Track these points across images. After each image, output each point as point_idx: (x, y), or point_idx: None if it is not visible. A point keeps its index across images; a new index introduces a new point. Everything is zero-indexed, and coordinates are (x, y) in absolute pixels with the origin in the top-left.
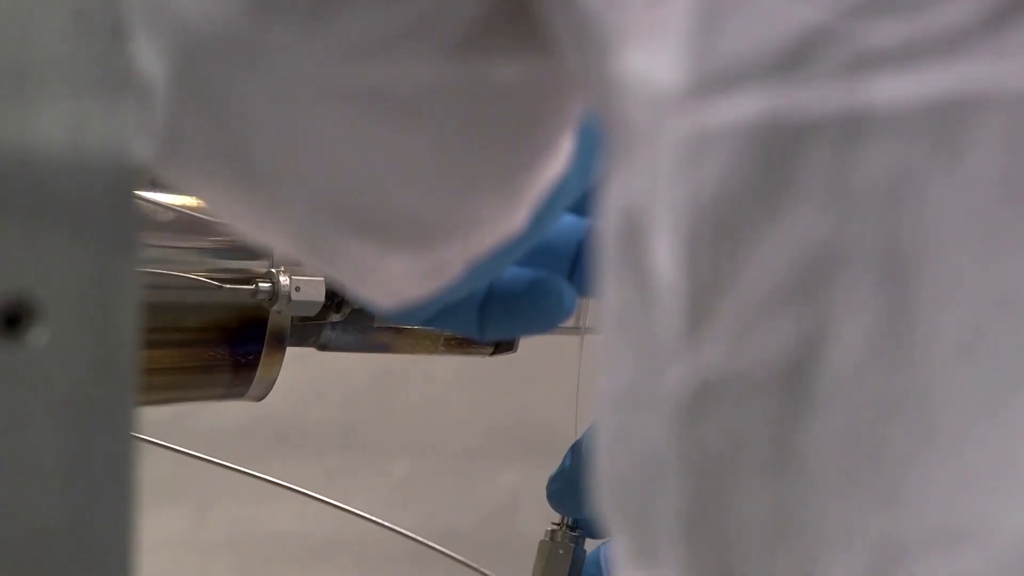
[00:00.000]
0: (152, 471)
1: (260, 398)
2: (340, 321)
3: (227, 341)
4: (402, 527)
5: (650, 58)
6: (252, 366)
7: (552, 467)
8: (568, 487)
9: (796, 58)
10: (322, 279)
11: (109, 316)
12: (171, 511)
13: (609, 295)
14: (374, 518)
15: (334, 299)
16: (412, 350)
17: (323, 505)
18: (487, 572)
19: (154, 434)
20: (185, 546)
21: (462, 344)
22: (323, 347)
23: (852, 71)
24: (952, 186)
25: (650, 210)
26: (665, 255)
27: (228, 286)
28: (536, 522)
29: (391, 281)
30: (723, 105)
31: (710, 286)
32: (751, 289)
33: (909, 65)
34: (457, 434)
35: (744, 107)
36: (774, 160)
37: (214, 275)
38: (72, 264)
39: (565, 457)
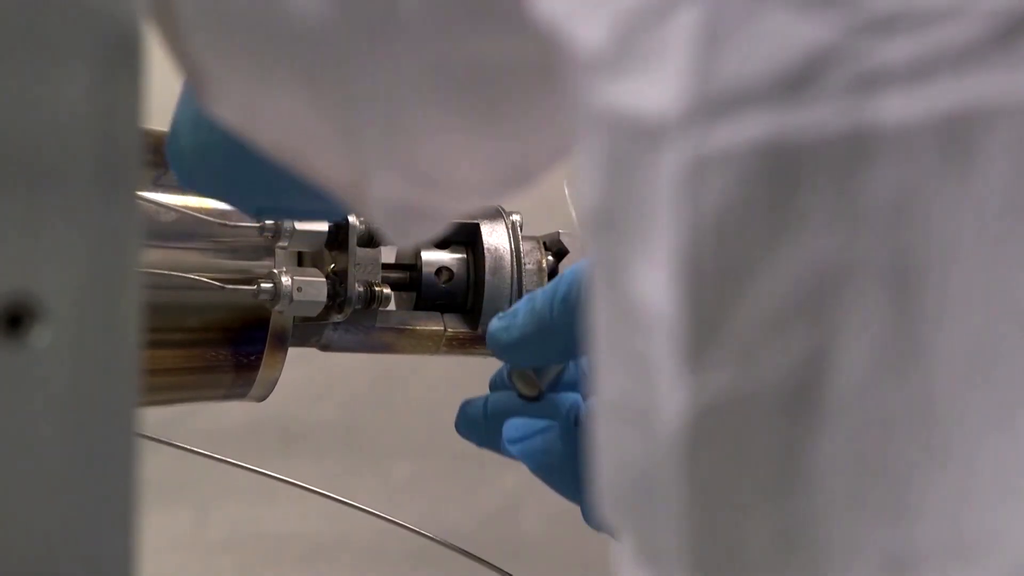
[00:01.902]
0: (154, 471)
1: (262, 399)
2: (342, 321)
3: (229, 341)
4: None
5: (649, 82)
6: (254, 366)
7: None
8: (514, 334)
9: (801, 78)
10: (323, 279)
11: (111, 317)
12: (173, 511)
13: (597, 315)
14: (377, 512)
15: (336, 299)
16: (414, 350)
17: (325, 505)
18: (491, 562)
19: (155, 434)
20: (187, 546)
21: (464, 344)
22: (325, 347)
23: (859, 90)
24: (960, 199)
25: (645, 235)
26: (660, 280)
27: (230, 286)
28: (537, 523)
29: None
30: (725, 128)
31: (713, 310)
32: (756, 311)
33: (917, 82)
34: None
35: (747, 129)
36: (778, 182)
37: (216, 275)
38: (74, 265)
39: (518, 305)
